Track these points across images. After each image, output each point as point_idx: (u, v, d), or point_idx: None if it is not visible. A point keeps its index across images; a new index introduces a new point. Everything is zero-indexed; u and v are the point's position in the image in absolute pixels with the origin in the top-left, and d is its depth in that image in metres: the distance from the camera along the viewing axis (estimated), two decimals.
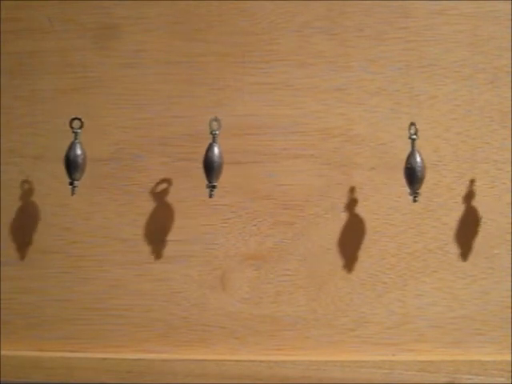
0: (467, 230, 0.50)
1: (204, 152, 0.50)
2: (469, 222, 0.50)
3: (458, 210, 0.50)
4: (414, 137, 0.48)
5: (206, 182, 0.48)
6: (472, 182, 0.50)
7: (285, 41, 0.51)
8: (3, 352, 0.51)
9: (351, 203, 0.51)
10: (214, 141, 0.49)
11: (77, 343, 0.52)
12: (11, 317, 0.52)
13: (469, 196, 0.50)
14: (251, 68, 0.51)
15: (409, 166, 0.47)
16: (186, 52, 0.52)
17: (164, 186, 0.52)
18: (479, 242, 0.50)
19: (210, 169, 0.48)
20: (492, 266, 0.50)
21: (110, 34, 0.52)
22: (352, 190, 0.51)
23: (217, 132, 0.49)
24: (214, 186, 0.48)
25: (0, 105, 0.52)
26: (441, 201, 0.51)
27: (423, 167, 0.47)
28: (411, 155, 0.47)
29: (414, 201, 0.47)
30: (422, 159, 0.47)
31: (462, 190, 0.50)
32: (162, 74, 0.52)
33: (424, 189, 0.50)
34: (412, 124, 0.48)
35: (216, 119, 0.49)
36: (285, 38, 0.51)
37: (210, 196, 0.48)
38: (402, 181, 0.50)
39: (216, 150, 0.48)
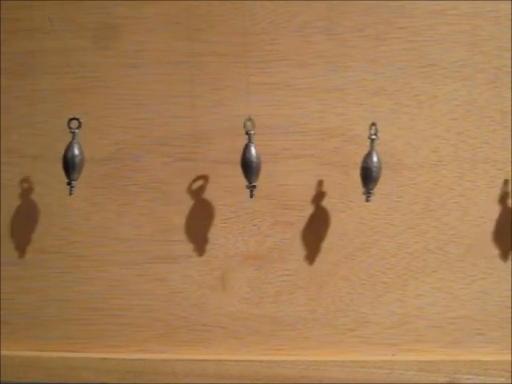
0: (467, 229, 0.50)
1: (202, 152, 0.50)
2: (469, 222, 0.50)
3: (458, 209, 0.50)
4: (374, 137, 0.48)
5: (245, 182, 0.48)
6: (470, 181, 0.50)
7: (285, 41, 0.51)
8: (3, 352, 0.51)
9: (350, 203, 0.51)
10: (249, 141, 0.48)
11: (77, 343, 0.52)
12: (11, 317, 0.52)
13: (466, 196, 0.51)
14: (251, 68, 0.51)
15: (364, 165, 0.47)
16: (186, 52, 0.52)
17: (164, 186, 0.52)
18: (479, 241, 0.50)
19: (249, 169, 0.48)
20: (492, 266, 0.50)
21: (110, 33, 0.52)
22: (351, 189, 0.51)
23: (252, 132, 0.48)
24: (254, 186, 0.48)
25: (0, 105, 0.52)
26: (441, 201, 0.51)
27: (379, 168, 0.47)
28: (368, 155, 0.47)
29: (367, 200, 0.47)
30: (378, 160, 0.47)
31: (462, 190, 0.50)
32: (161, 74, 0.52)
33: (424, 189, 0.50)
34: (373, 124, 0.48)
35: (250, 119, 0.48)
36: (285, 37, 0.51)
37: (251, 196, 0.48)
38: (402, 180, 0.50)
39: (253, 150, 0.48)
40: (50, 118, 0.52)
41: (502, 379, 0.48)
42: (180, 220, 0.52)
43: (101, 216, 0.52)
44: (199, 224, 0.52)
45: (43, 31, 0.52)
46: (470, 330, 0.50)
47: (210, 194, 0.51)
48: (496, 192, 0.50)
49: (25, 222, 0.52)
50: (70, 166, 0.48)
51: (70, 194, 0.48)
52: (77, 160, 0.48)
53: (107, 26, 0.52)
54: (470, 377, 0.49)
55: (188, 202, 0.52)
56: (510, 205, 0.50)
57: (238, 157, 0.50)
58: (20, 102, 0.52)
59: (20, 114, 0.52)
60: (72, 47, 0.52)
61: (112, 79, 0.52)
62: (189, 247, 0.52)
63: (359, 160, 0.50)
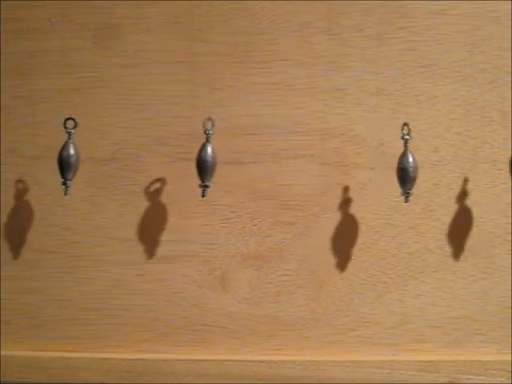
0: (467, 229, 0.50)
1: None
2: (469, 222, 0.50)
3: (458, 210, 0.50)
4: (407, 137, 0.48)
5: (198, 181, 0.48)
6: (470, 181, 0.50)
7: (285, 41, 0.51)
8: (3, 352, 0.51)
9: (350, 203, 0.51)
10: (207, 140, 0.49)
11: (77, 343, 0.52)
12: (11, 317, 0.52)
13: (468, 196, 0.50)
14: (251, 68, 0.51)
15: (401, 166, 0.47)
16: (186, 52, 0.52)
17: (164, 185, 0.52)
18: (479, 241, 0.50)
19: (203, 169, 0.48)
20: (492, 266, 0.50)
21: (110, 34, 0.52)
22: (351, 189, 0.51)
23: (210, 132, 0.49)
24: (206, 186, 0.48)
25: (0, 105, 0.52)
26: (441, 201, 0.51)
27: (415, 167, 0.47)
28: (403, 155, 0.47)
29: (406, 201, 0.47)
30: (414, 159, 0.47)
31: (462, 190, 0.50)
32: (162, 74, 0.52)
33: (424, 189, 0.50)
34: (405, 124, 0.48)
35: (210, 119, 0.49)
36: (285, 37, 0.51)
37: (203, 195, 0.48)
38: None
39: (209, 150, 0.48)
40: (50, 117, 0.52)
41: (502, 379, 0.48)
42: (180, 220, 0.52)
43: (101, 216, 0.52)
44: (199, 224, 0.52)
45: (43, 31, 0.52)
46: (470, 330, 0.50)
47: (210, 194, 0.51)
48: (496, 192, 0.50)
49: (25, 222, 0.52)
50: (65, 166, 0.48)
51: (66, 194, 0.48)
52: (72, 160, 0.48)
53: (107, 26, 0.52)
54: (470, 377, 0.49)
55: (188, 202, 0.52)
56: (509, 204, 0.50)
57: (238, 157, 0.50)
58: (20, 101, 0.52)
59: (20, 113, 0.52)
60: (72, 47, 0.52)
61: (112, 79, 0.52)
62: (189, 247, 0.52)
63: (359, 160, 0.51)
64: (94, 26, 0.52)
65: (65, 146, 0.49)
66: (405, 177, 0.47)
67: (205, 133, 0.49)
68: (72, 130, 0.49)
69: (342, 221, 0.51)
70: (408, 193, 0.47)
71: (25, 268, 0.52)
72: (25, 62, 0.52)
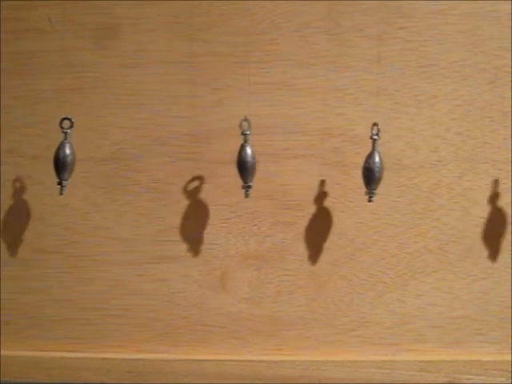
0: (467, 230, 0.50)
1: (202, 152, 0.50)
2: (469, 222, 0.50)
3: (458, 209, 0.50)
4: (376, 137, 0.47)
5: (241, 182, 0.48)
6: (470, 181, 0.50)
7: (285, 41, 0.51)
8: (3, 352, 0.51)
9: (350, 203, 0.51)
10: (245, 141, 0.48)
11: (77, 343, 0.52)
12: (11, 317, 0.52)
13: (468, 196, 0.50)
14: (251, 68, 0.51)
15: (367, 165, 0.47)
16: (186, 52, 0.52)
17: (164, 185, 0.52)
18: (479, 241, 0.50)
19: (244, 169, 0.48)
20: (492, 266, 0.50)
21: (110, 34, 0.52)
22: (351, 189, 0.51)
23: (248, 132, 0.48)
24: (249, 186, 0.48)
25: (0, 105, 0.52)
26: (441, 201, 0.51)
27: (381, 168, 0.47)
28: (370, 155, 0.47)
29: (369, 201, 0.47)
30: (380, 160, 0.47)
31: (462, 190, 0.50)
32: (162, 74, 0.52)
33: (424, 189, 0.50)
34: (374, 124, 0.48)
35: (246, 119, 0.48)
36: (285, 37, 0.51)
37: (246, 196, 0.48)
38: (402, 181, 0.50)
39: (248, 151, 0.48)
40: (50, 118, 0.52)
41: (502, 379, 0.48)
42: (180, 220, 0.52)
43: (101, 216, 0.52)
44: (199, 224, 0.52)
45: (43, 31, 0.52)
46: (470, 330, 0.50)
47: (210, 194, 0.51)
48: (496, 192, 0.50)
49: (25, 222, 0.52)
50: (61, 166, 0.48)
51: (61, 193, 0.48)
52: (68, 160, 0.48)
53: (107, 26, 0.52)
54: (470, 377, 0.49)
55: (188, 202, 0.52)
56: (509, 204, 0.50)
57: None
58: (20, 101, 0.52)
59: (20, 113, 0.52)
60: (72, 47, 0.52)
61: (112, 79, 0.52)
62: (189, 247, 0.52)
63: (359, 160, 0.50)
64: (94, 26, 0.52)
65: (60, 146, 0.49)
66: (370, 177, 0.47)
67: (242, 134, 0.48)
68: (68, 130, 0.49)
69: (341, 221, 0.51)
70: (372, 193, 0.47)
71: (24, 268, 0.52)
72: (25, 61, 0.52)
